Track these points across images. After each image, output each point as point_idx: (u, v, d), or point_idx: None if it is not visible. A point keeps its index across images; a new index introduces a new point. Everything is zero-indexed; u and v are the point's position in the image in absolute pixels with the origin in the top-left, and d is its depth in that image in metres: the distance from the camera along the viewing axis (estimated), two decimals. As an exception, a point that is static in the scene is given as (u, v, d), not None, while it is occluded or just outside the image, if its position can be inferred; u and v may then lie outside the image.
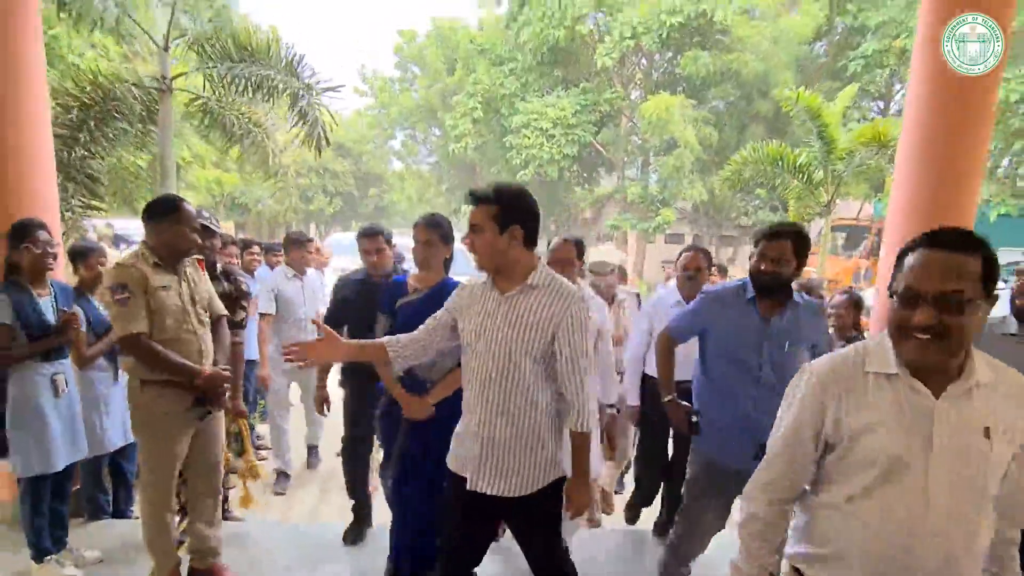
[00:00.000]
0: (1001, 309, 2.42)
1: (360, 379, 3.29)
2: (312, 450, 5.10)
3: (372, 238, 3.29)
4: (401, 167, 36.02)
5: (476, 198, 2.02)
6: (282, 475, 4.70)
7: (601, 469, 3.14)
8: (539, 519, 2.14)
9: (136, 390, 2.69)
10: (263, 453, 5.07)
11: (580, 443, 2.06)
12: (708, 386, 2.69)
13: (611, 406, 3.22)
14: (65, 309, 3.00)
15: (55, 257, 2.99)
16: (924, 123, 3.83)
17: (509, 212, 1.98)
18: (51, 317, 2.94)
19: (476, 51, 25.40)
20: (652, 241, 23.77)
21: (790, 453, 1.52)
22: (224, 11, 6.78)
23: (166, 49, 6.11)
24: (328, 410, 3.53)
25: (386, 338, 2.20)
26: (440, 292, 2.57)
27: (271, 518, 4.19)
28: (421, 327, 2.21)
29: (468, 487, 2.08)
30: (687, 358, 2.88)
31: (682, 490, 2.85)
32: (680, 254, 3.57)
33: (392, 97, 32.46)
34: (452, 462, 2.19)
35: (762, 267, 2.45)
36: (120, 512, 3.68)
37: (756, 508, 1.57)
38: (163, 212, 2.67)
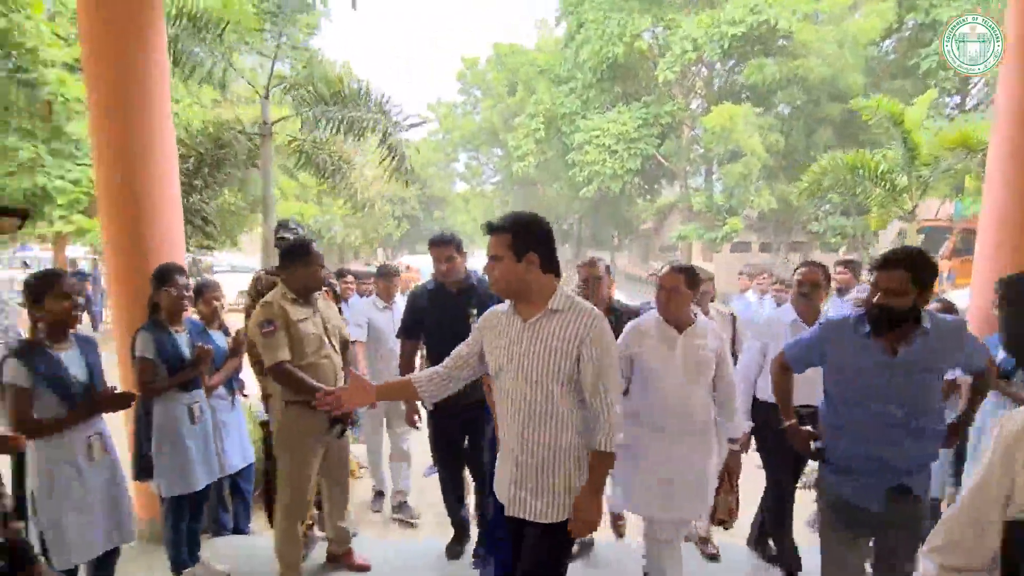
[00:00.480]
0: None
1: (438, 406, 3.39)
2: (402, 507, 4.70)
3: (442, 246, 3.33)
4: (465, 188, 36.67)
5: (491, 228, 2.08)
6: (379, 494, 4.89)
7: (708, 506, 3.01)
8: (559, 542, 2.13)
9: (280, 411, 3.06)
10: (360, 472, 5.32)
11: (601, 462, 2.04)
12: (833, 421, 2.42)
13: (733, 440, 3.03)
14: (199, 344, 3.31)
15: (191, 299, 3.32)
16: (1015, 128, 3.74)
17: (524, 240, 2.03)
18: (187, 352, 3.25)
19: (536, 72, 25.76)
20: (718, 251, 23.38)
21: (971, 516, 1.30)
22: (314, 59, 7.26)
23: (266, 97, 6.59)
24: (420, 420, 3.62)
25: (413, 375, 2.28)
26: None
27: (369, 535, 4.36)
28: (448, 359, 2.27)
29: (505, 512, 2.15)
30: (805, 381, 2.69)
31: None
32: (796, 269, 3.38)
33: (455, 122, 33.30)
34: (495, 487, 2.26)
35: (874, 299, 2.21)
36: (239, 529, 3.97)
37: (929, 571, 1.38)
38: (297, 255, 3.04)
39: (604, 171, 21.95)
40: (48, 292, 2.56)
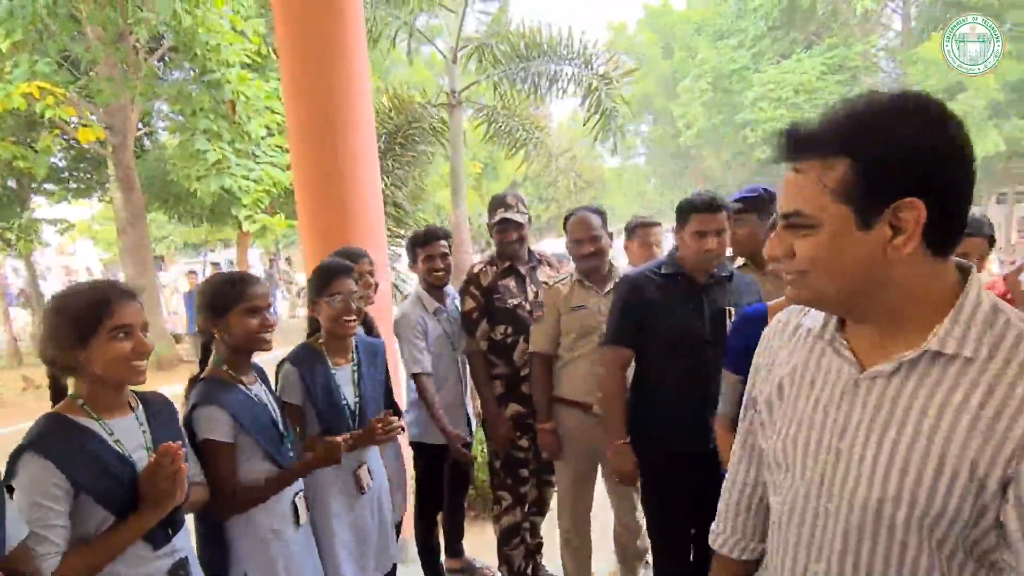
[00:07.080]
0: None
1: None
2: None
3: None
4: (617, 164, 35.37)
5: (795, 148, 0.90)
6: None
7: None
8: None
9: None
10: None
11: None
12: None
13: None
14: None
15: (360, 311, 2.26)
16: None
17: (884, 175, 0.82)
18: (349, 395, 2.16)
19: (692, 31, 23.97)
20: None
21: None
22: (502, 14, 6.53)
23: (454, 61, 5.95)
24: None
25: None
26: None
27: None
28: None
29: None
30: None
31: None
32: None
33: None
34: None
35: None
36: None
37: None
38: None
39: (781, 128, 19.75)
40: (235, 304, 1.78)
